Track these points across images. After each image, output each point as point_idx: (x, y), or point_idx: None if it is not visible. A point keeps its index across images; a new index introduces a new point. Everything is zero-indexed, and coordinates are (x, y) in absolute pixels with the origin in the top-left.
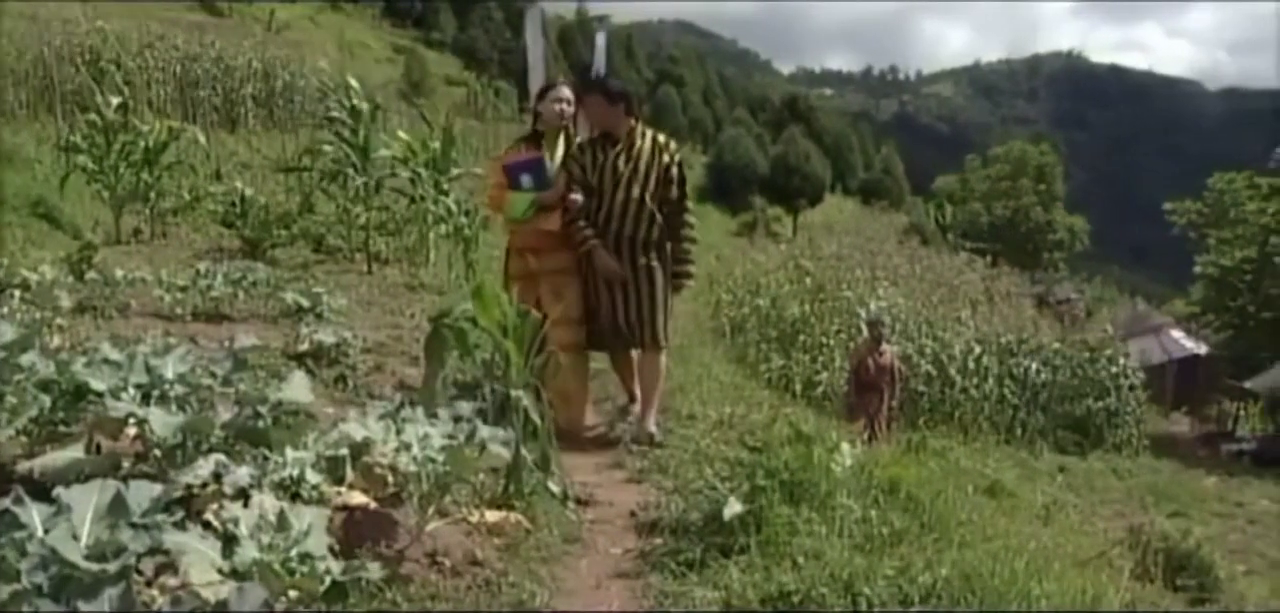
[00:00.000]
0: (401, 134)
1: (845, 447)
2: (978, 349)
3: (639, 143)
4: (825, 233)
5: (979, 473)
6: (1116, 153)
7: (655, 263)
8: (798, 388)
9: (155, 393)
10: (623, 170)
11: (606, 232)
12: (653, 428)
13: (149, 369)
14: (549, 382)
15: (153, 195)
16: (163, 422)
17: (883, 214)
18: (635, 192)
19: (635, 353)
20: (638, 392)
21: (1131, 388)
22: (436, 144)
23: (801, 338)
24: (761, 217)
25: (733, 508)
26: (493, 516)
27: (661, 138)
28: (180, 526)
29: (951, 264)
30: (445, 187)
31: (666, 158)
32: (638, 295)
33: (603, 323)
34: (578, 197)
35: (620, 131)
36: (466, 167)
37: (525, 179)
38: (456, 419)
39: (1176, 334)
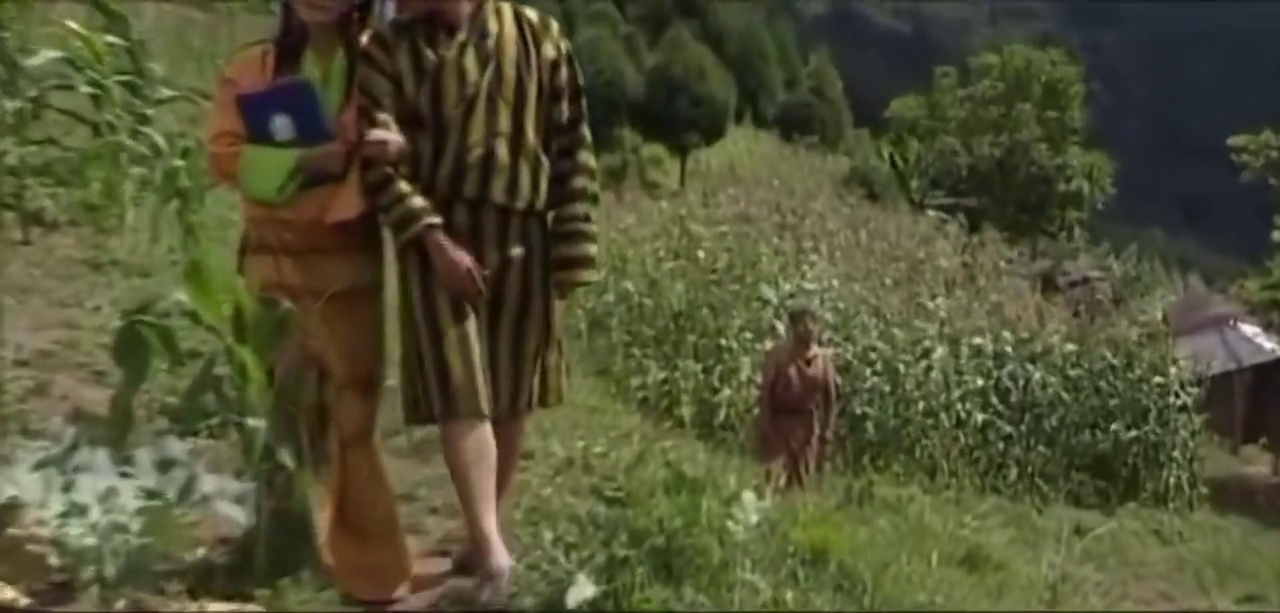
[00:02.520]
0: (73, 24)
1: (750, 497)
2: (951, 353)
3: (497, 27)
4: (728, 183)
5: (951, 535)
6: (1160, 63)
7: (536, 254)
8: (685, 412)
9: None
10: (474, 80)
11: (453, 200)
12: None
13: None
14: (316, 415)
15: None
16: None
17: (813, 155)
18: (502, 118)
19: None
20: (487, 494)
21: (1183, 409)
22: (132, 42)
23: (691, 339)
24: (633, 160)
25: (582, 591)
26: (219, 610)
27: (533, 16)
28: None
29: (914, 228)
30: (148, 110)
31: (550, 51)
32: (513, 320)
33: (444, 376)
34: (387, 134)
35: (462, 9)
36: (186, 84)
37: (278, 123)
38: (164, 466)
39: (1248, 330)
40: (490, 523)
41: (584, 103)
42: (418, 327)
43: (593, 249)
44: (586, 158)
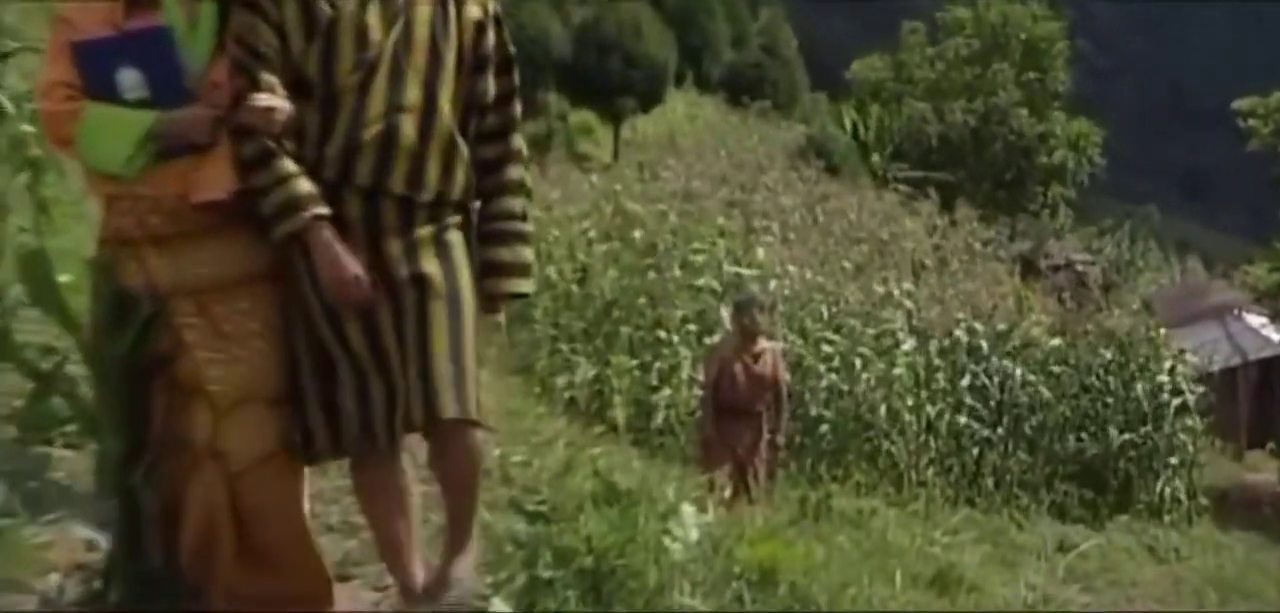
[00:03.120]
0: None
1: (690, 511)
2: (919, 347)
3: None
4: (667, 155)
5: (919, 553)
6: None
7: (451, 256)
8: (618, 414)
9: None
10: (377, 40)
11: (342, 186)
12: (466, 586)
13: None
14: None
15: None
16: None
17: (764, 123)
18: (410, 89)
19: (416, 458)
20: (410, 544)
21: (1181, 410)
22: None
23: (626, 332)
24: (559, 128)
25: None
26: None
27: None
28: None
29: (877, 206)
30: None
31: (474, 11)
32: (417, 331)
33: (332, 406)
34: (272, 98)
35: None
36: (38, 36)
37: (126, 77)
38: (10, 480)
39: (1254, 320)
40: (413, 575)
41: (516, 77)
42: (299, 347)
43: (528, 254)
44: (519, 142)
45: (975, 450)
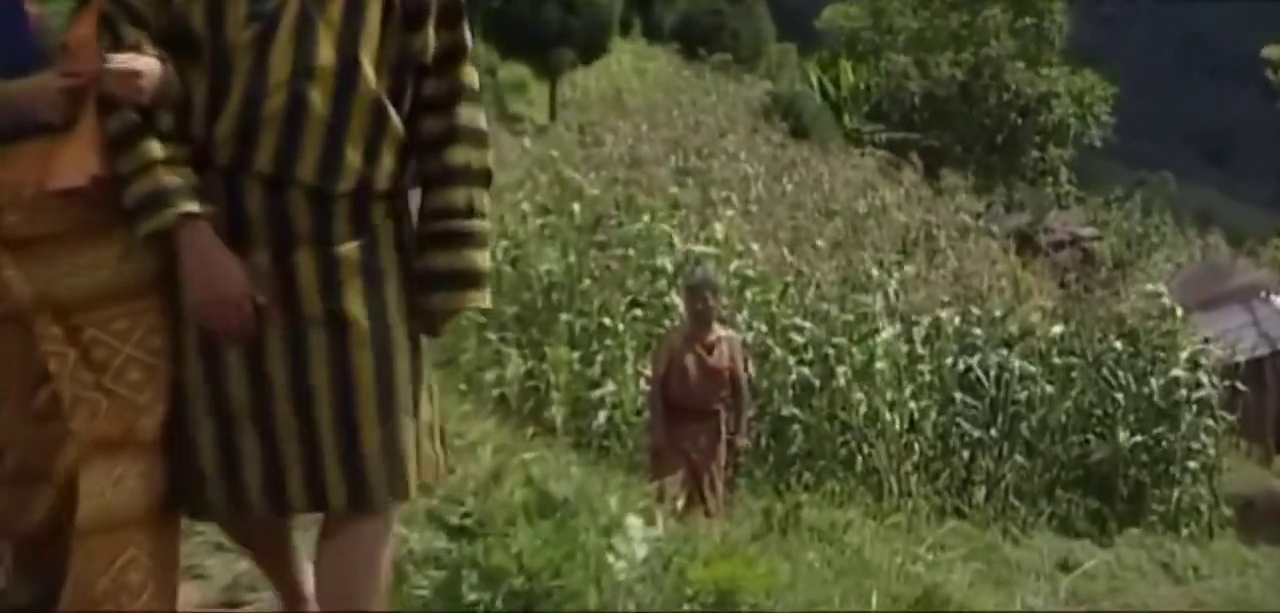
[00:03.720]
0: None
1: (635, 524)
2: (902, 336)
3: None
4: (612, 115)
5: (901, 572)
6: None
7: (379, 275)
8: (556, 414)
9: None
10: None
11: (237, 174)
12: None
13: None
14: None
15: None
16: None
17: (723, 78)
18: (321, 47)
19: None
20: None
21: (1203, 406)
22: None
23: (565, 320)
24: (488, 85)
25: None
26: None
27: None
28: None
29: (853, 174)
30: None
31: None
32: (331, 375)
33: (224, 461)
34: (140, 59)
35: None
36: None
37: None
38: None
39: None
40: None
41: (465, 31)
42: (186, 370)
43: (478, 260)
44: (470, 115)
45: (966, 454)
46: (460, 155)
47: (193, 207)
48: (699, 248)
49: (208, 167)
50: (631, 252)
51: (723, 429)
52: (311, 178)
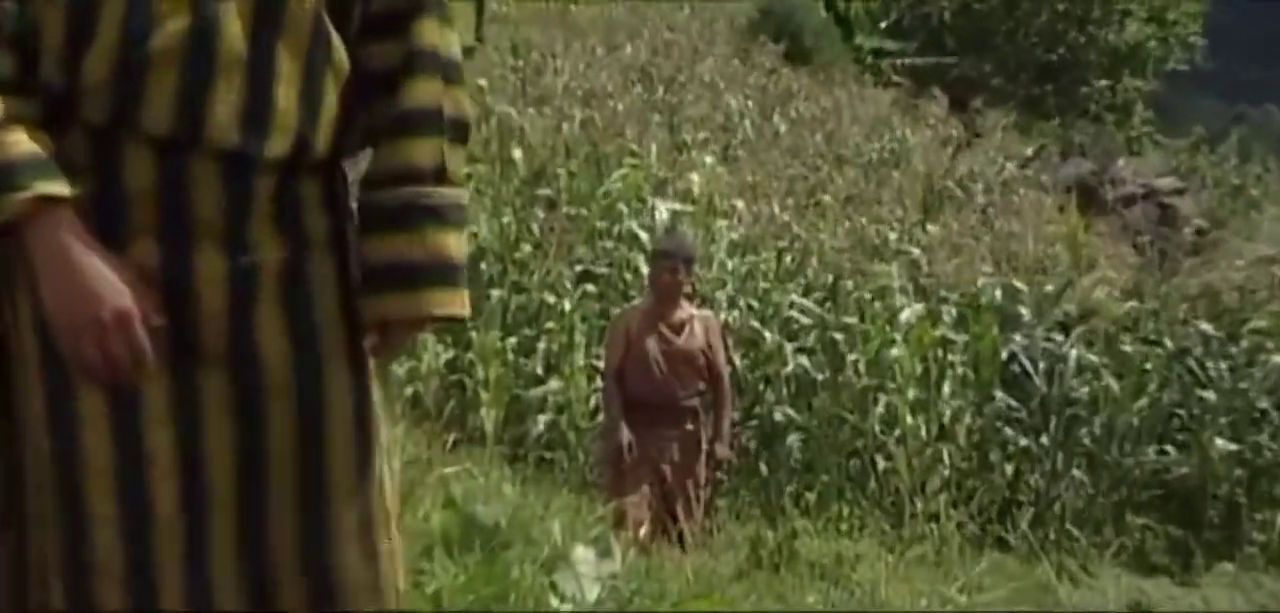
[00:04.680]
0: None
1: (585, 556)
2: (928, 317)
3: None
4: (555, 33)
5: None
6: None
7: (305, 285)
8: (485, 417)
9: None
10: None
11: (115, 137)
12: None
13: None
14: None
15: None
16: None
17: None
18: None
19: None
20: None
21: None
22: None
23: (496, 297)
24: None
25: None
26: None
27: None
28: None
29: (865, 109)
30: None
31: None
32: (234, 432)
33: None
34: None
35: None
36: None
37: None
38: None
39: None
40: None
41: None
42: (27, 437)
43: (454, 245)
44: (436, 36)
45: (1009, 468)
46: (422, 92)
47: (51, 187)
48: (668, 205)
49: (71, 128)
50: (583, 211)
51: (699, 435)
52: (231, 140)
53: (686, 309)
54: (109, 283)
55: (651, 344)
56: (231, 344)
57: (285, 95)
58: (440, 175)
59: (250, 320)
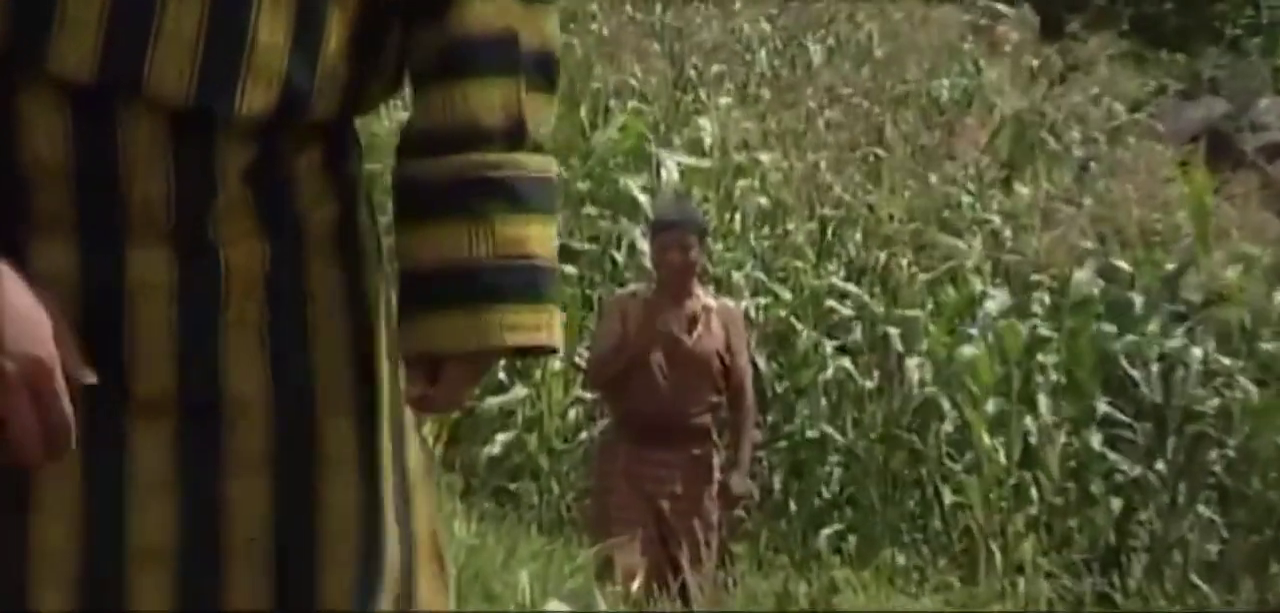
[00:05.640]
0: None
1: (558, 611)
2: (1013, 305)
3: None
4: None
5: None
6: None
7: (299, 306)
8: (429, 436)
9: None
10: None
11: (23, 90)
12: None
13: None
14: None
15: None
16: None
17: None
18: None
19: None
20: None
21: None
22: None
23: None
24: None
25: None
26: None
27: None
28: None
29: (924, 34)
30: None
31: None
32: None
33: None
34: None
35: None
36: None
37: None
38: None
39: None
40: None
41: None
42: None
43: (538, 238)
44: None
45: (1115, 503)
46: (486, 12)
47: None
48: (675, 159)
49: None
50: (562, 169)
51: (710, 461)
52: (174, 88)
53: (700, 297)
54: (17, 317)
55: (655, 344)
56: (181, 389)
57: (268, 25)
58: (516, 135)
59: (209, 353)
